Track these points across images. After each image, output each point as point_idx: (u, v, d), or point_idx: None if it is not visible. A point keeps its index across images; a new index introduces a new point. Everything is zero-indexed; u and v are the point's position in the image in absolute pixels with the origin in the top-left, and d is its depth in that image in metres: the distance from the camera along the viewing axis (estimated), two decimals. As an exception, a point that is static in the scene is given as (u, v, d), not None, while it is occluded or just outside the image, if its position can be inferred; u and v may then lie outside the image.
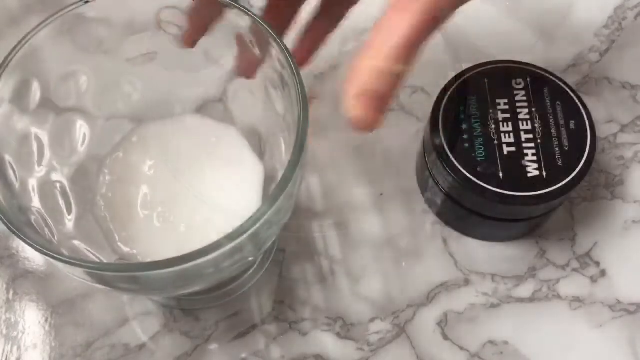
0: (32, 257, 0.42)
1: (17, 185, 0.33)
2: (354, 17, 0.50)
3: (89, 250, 0.35)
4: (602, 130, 0.46)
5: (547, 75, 0.41)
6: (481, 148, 0.39)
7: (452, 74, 0.41)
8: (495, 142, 0.39)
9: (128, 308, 0.41)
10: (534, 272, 0.42)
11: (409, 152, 0.45)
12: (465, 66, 0.42)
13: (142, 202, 0.37)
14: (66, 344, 0.40)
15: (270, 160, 0.38)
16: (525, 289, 0.41)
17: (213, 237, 0.28)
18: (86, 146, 0.38)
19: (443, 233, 0.43)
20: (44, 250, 0.28)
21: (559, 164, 0.38)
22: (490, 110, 0.40)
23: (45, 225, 0.33)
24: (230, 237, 0.28)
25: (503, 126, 0.40)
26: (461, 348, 0.40)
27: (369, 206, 0.44)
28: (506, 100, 0.40)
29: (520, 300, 0.41)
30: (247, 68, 0.37)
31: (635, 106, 0.47)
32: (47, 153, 0.36)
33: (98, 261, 0.35)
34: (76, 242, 0.35)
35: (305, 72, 0.33)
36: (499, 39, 0.49)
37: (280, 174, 0.36)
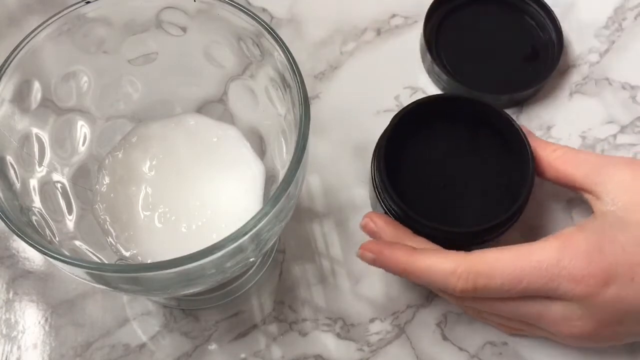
0: (32, 257, 0.42)
1: (18, 185, 0.33)
2: (354, 17, 0.50)
3: (89, 251, 0.35)
4: (602, 131, 0.46)
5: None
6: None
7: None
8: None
9: (128, 308, 0.41)
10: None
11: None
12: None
13: (142, 202, 0.37)
14: (66, 344, 0.40)
15: (270, 160, 0.38)
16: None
17: (214, 237, 0.28)
18: (87, 146, 0.38)
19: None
20: (45, 251, 0.28)
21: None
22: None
23: (46, 226, 0.33)
24: (232, 238, 0.28)
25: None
26: (460, 349, 0.40)
27: (369, 206, 0.44)
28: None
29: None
30: None
31: (635, 107, 0.47)
32: (48, 153, 0.36)
33: (99, 261, 0.35)
34: (77, 242, 0.35)
35: (305, 72, 0.33)
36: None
37: (281, 174, 0.36)
